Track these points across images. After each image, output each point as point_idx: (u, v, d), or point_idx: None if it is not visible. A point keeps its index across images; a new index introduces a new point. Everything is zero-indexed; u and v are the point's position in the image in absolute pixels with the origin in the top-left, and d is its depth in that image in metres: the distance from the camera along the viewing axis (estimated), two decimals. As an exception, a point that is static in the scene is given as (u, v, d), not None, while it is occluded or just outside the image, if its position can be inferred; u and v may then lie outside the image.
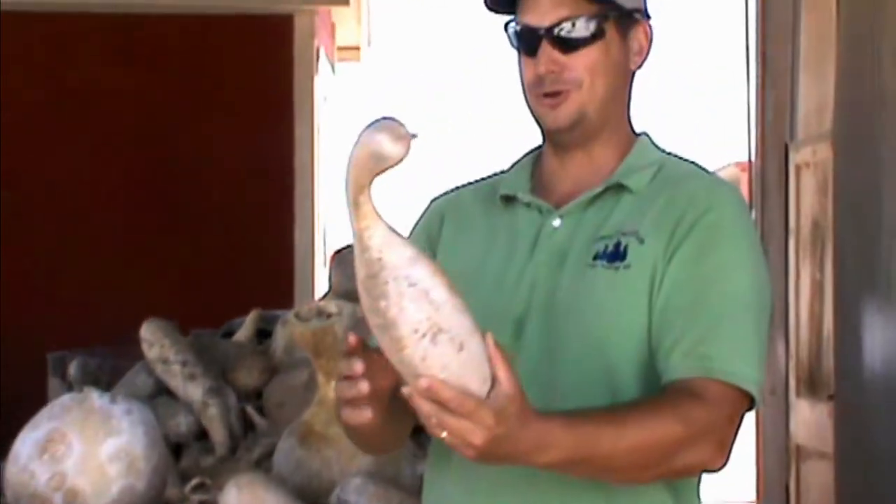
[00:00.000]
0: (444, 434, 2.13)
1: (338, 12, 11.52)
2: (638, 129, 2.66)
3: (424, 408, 2.11)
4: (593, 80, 2.51)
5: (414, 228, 2.72)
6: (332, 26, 12.10)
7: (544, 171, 2.64)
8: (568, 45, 2.49)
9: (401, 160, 2.13)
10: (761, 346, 2.45)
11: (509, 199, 2.60)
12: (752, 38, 9.27)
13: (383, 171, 2.13)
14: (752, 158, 9.15)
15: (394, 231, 2.15)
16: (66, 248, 9.69)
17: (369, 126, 2.13)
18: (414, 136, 2.10)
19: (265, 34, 10.02)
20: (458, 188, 2.76)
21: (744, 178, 9.31)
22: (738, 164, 9.49)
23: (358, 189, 2.12)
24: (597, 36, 2.50)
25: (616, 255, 2.46)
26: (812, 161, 8.14)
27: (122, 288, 8.96)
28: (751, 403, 2.43)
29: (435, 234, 2.67)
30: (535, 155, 2.68)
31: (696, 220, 2.47)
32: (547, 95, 2.53)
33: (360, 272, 2.13)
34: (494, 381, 2.13)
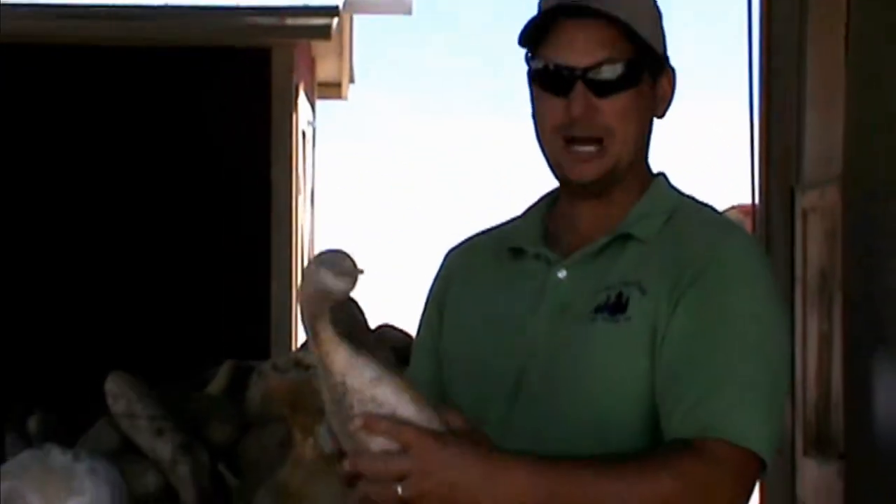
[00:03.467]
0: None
1: (318, 46, 11.75)
2: (655, 169, 2.65)
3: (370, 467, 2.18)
4: (626, 127, 2.50)
5: (430, 292, 2.75)
6: (313, 61, 12.41)
7: (557, 216, 2.63)
8: (604, 89, 2.48)
9: (346, 294, 2.21)
10: (771, 400, 2.42)
11: (517, 251, 2.60)
12: (756, 76, 9.23)
13: (333, 302, 2.21)
14: (756, 202, 9.11)
15: (356, 353, 2.22)
16: (28, 296, 9.82)
17: (315, 258, 2.22)
18: (360, 271, 2.18)
19: (242, 68, 10.21)
20: (470, 237, 2.76)
21: (747, 222, 9.43)
22: (740, 207, 9.53)
23: (313, 319, 2.21)
24: (633, 81, 2.50)
25: (618, 306, 2.46)
26: (819, 205, 8.05)
27: (86, 338, 9.12)
28: (761, 464, 2.41)
29: (443, 302, 2.69)
30: (550, 200, 2.66)
31: (702, 269, 2.45)
32: (576, 141, 2.50)
33: (326, 396, 2.23)
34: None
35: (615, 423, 2.45)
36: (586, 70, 2.47)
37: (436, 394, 2.65)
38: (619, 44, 2.47)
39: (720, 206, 10.00)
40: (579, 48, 2.48)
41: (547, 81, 2.51)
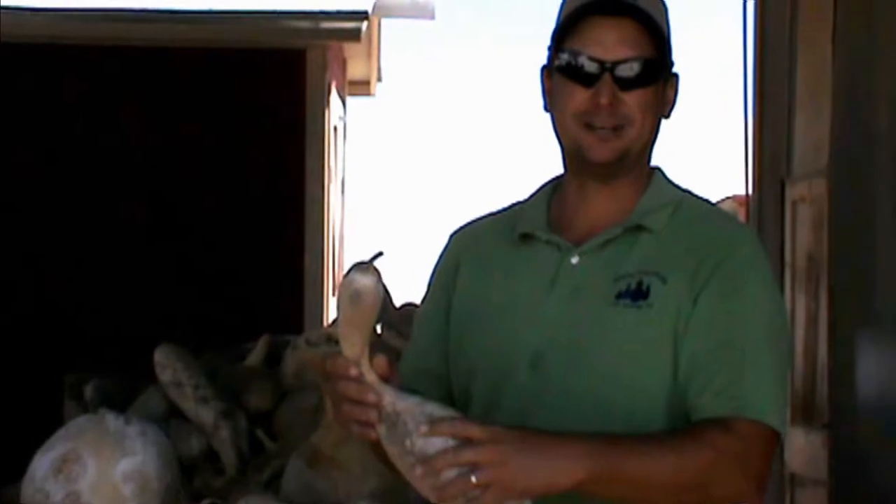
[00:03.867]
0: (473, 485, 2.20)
1: (349, 48, 11.58)
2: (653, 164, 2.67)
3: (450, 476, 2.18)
4: (643, 118, 2.50)
5: (434, 271, 2.72)
6: (344, 61, 12.18)
7: (564, 206, 2.62)
8: (627, 83, 2.48)
9: (375, 286, 2.23)
10: (784, 384, 2.46)
11: (526, 237, 2.59)
12: (750, 78, 9.18)
13: (365, 314, 2.23)
14: (750, 192, 9.12)
15: (396, 389, 2.26)
16: (84, 274, 9.81)
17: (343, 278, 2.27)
18: (379, 254, 2.24)
19: (280, 67, 10.11)
20: (476, 220, 2.73)
21: (741, 211, 9.30)
22: (735, 197, 9.37)
23: (358, 363, 2.25)
24: (652, 79, 2.50)
25: (639, 293, 2.46)
26: (808, 196, 8.07)
27: (137, 313, 9.04)
28: (777, 440, 2.43)
29: (451, 285, 2.66)
30: (553, 186, 2.66)
31: (719, 262, 2.46)
32: (598, 127, 2.51)
33: (381, 429, 2.25)
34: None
35: (638, 401, 2.44)
36: (615, 64, 2.46)
37: (434, 364, 2.65)
38: (644, 43, 2.47)
39: (715, 196, 9.96)
40: (609, 44, 2.46)
41: (574, 72, 2.49)
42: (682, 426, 2.41)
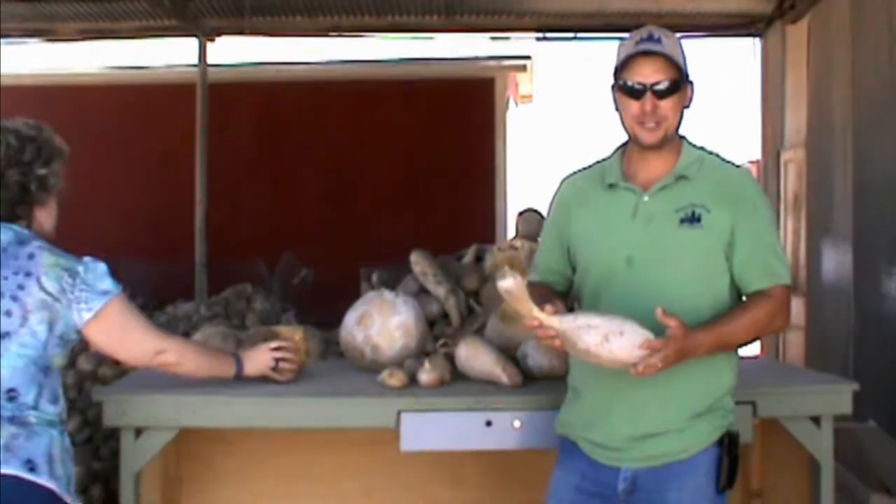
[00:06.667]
0: (645, 367, 2.19)
1: (520, 75, 11.32)
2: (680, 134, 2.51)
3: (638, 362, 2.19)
4: (673, 115, 2.39)
5: (551, 203, 2.61)
6: (516, 84, 11.92)
7: (630, 164, 2.47)
8: (661, 95, 2.37)
9: (512, 284, 2.21)
10: (786, 258, 2.46)
11: (612, 185, 2.47)
12: (759, 91, 9.29)
13: (517, 298, 2.21)
14: (760, 158, 9.32)
15: (562, 316, 2.23)
16: (381, 212, 9.83)
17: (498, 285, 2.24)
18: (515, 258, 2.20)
19: (479, 89, 10.28)
20: (575, 173, 2.60)
21: (755, 168, 9.20)
22: (752, 161, 9.36)
23: (527, 314, 2.23)
24: (676, 91, 2.38)
25: (693, 219, 2.36)
26: (794, 159, 8.34)
27: (401, 231, 8.70)
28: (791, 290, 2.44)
29: (564, 221, 2.54)
30: (622, 150, 2.52)
31: (743, 195, 2.40)
32: (646, 124, 2.39)
33: (565, 340, 2.23)
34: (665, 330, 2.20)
35: (696, 288, 2.38)
36: (653, 85, 2.37)
37: (555, 264, 2.57)
38: (668, 70, 2.37)
39: (742, 159, 9.41)
40: (647, 72, 2.37)
41: (629, 91, 2.39)
42: (719, 301, 2.38)
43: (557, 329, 2.19)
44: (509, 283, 2.17)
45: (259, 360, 2.92)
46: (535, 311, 2.19)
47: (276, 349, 2.95)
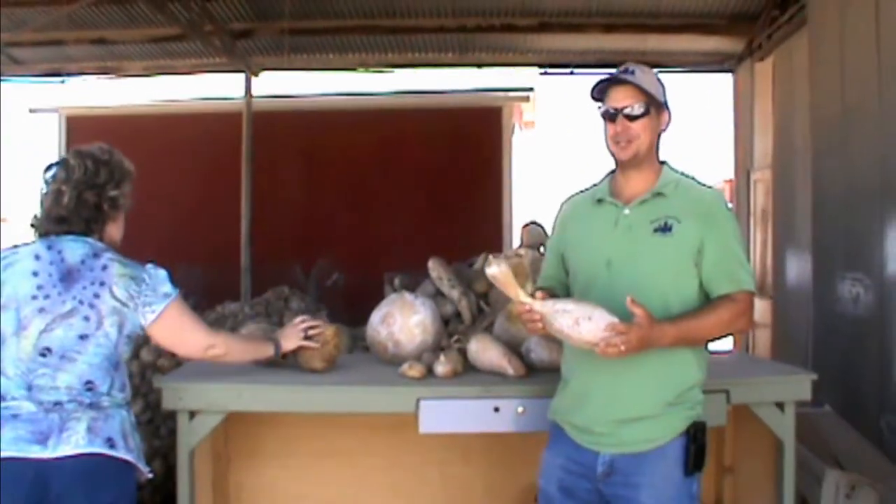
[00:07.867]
0: (611, 348, 2.14)
1: (524, 105, 11.15)
2: (662, 159, 2.49)
3: (602, 343, 2.15)
4: (643, 136, 2.35)
5: (554, 222, 2.58)
6: (521, 112, 11.90)
7: (617, 183, 2.45)
8: (631, 118, 2.35)
9: (498, 271, 2.19)
10: (750, 268, 2.39)
11: (600, 201, 2.46)
12: (732, 121, 9.13)
13: (504, 284, 2.19)
14: (734, 177, 9.14)
15: (543, 300, 2.20)
16: (399, 226, 9.61)
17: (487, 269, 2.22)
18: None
19: (488, 117, 10.04)
20: (574, 195, 2.58)
21: (728, 186, 9.15)
22: (727, 180, 9.27)
23: (514, 297, 2.21)
24: (645, 114, 2.35)
25: (665, 228, 2.33)
26: (762, 179, 8.28)
27: (420, 241, 8.63)
28: (753, 297, 2.37)
29: (561, 235, 2.53)
30: (611, 173, 2.50)
31: (712, 212, 2.34)
32: (619, 142, 2.38)
33: (545, 322, 2.20)
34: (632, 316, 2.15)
35: (666, 288, 2.33)
36: (622, 109, 2.36)
37: (555, 273, 2.54)
38: (638, 97, 2.35)
39: (715, 179, 9.38)
40: (619, 98, 2.36)
41: (607, 115, 2.38)
42: (689, 303, 2.31)
43: (539, 311, 2.17)
44: (494, 270, 2.17)
45: (291, 335, 2.96)
46: (522, 296, 2.18)
47: (302, 322, 3.00)
